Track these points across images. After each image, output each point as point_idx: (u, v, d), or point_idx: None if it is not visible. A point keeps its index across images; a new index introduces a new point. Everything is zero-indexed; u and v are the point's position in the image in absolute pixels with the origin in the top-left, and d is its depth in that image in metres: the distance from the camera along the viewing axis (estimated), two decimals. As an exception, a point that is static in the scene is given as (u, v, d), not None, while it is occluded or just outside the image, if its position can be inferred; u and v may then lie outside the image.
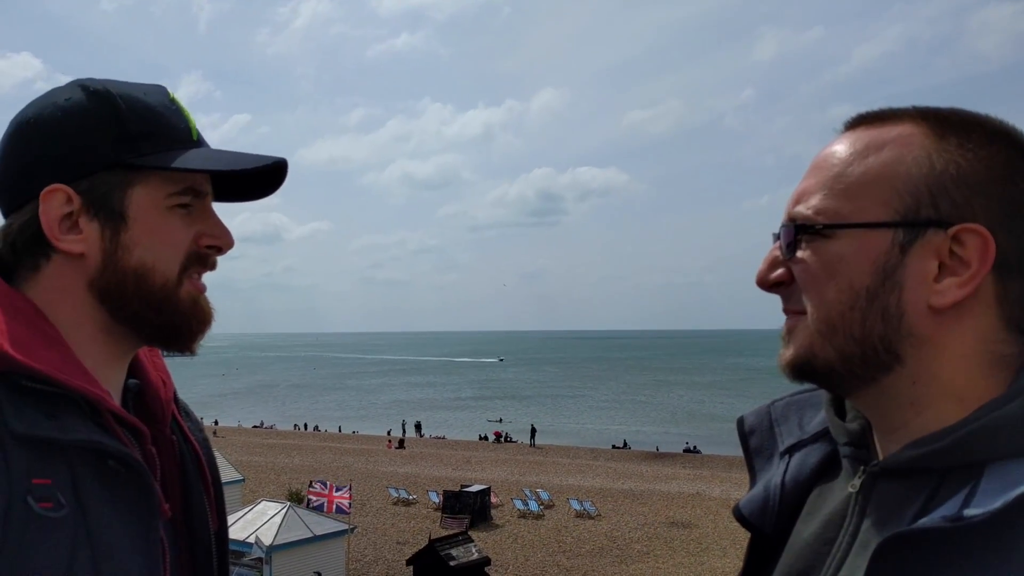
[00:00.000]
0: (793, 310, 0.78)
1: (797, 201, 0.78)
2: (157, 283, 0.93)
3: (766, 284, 0.80)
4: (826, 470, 0.86)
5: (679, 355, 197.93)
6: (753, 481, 0.93)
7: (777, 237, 0.81)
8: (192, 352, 1.00)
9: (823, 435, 0.88)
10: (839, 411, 0.86)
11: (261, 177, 1.03)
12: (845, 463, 0.82)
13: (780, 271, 0.79)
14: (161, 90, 0.99)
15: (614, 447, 49.92)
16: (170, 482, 1.01)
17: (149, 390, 1.04)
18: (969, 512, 0.62)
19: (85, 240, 0.92)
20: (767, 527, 0.87)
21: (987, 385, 0.70)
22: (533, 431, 52.26)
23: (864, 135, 0.76)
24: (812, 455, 0.88)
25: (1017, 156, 0.71)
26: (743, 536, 0.93)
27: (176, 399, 1.10)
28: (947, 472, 0.68)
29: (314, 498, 21.64)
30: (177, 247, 0.95)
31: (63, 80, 1.02)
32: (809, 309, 0.75)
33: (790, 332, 0.78)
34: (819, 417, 0.90)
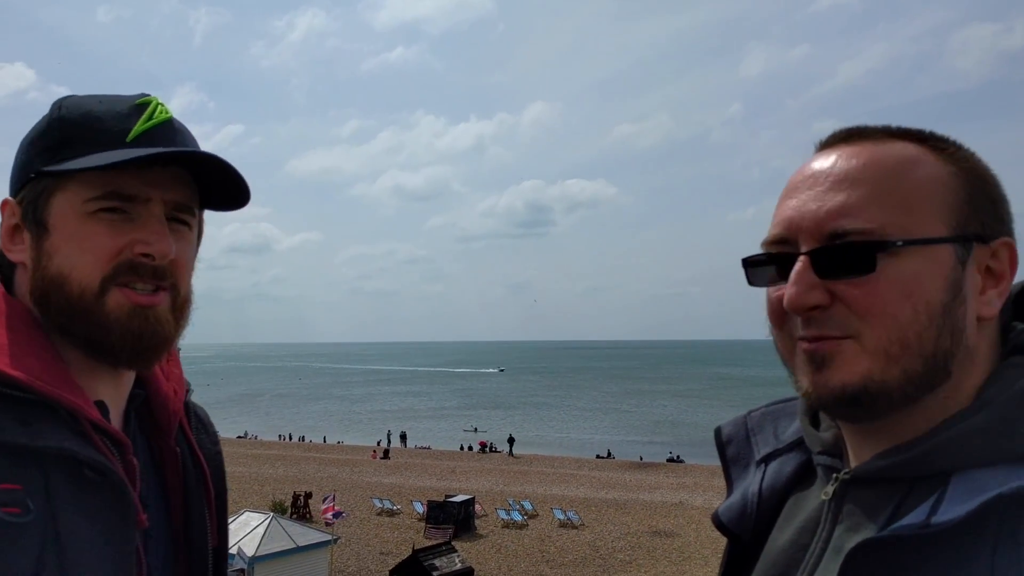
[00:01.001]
0: (831, 335, 0.73)
1: (840, 215, 0.72)
2: (74, 292, 0.90)
3: (804, 308, 0.73)
4: (801, 478, 0.87)
5: (664, 365, 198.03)
6: (730, 489, 0.94)
7: (781, 256, 0.77)
8: (141, 368, 0.98)
9: (798, 444, 0.89)
10: (813, 420, 0.87)
11: (226, 182, 0.98)
12: (819, 471, 0.84)
13: (819, 293, 0.73)
14: (131, 97, 0.97)
15: (598, 456, 49.91)
16: (172, 495, 1.01)
17: (156, 400, 1.03)
18: (936, 520, 0.64)
19: (25, 250, 0.94)
20: (745, 534, 0.89)
21: (979, 384, 0.73)
22: (511, 441, 52.33)
23: (879, 150, 0.75)
24: (788, 464, 0.89)
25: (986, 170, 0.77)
26: (725, 546, 0.95)
27: (190, 411, 1.09)
28: (916, 480, 0.70)
29: (330, 515, 21.79)
30: (96, 255, 0.90)
31: (56, 91, 1.06)
32: (870, 331, 0.71)
33: (828, 359, 0.73)
34: (794, 426, 0.91)
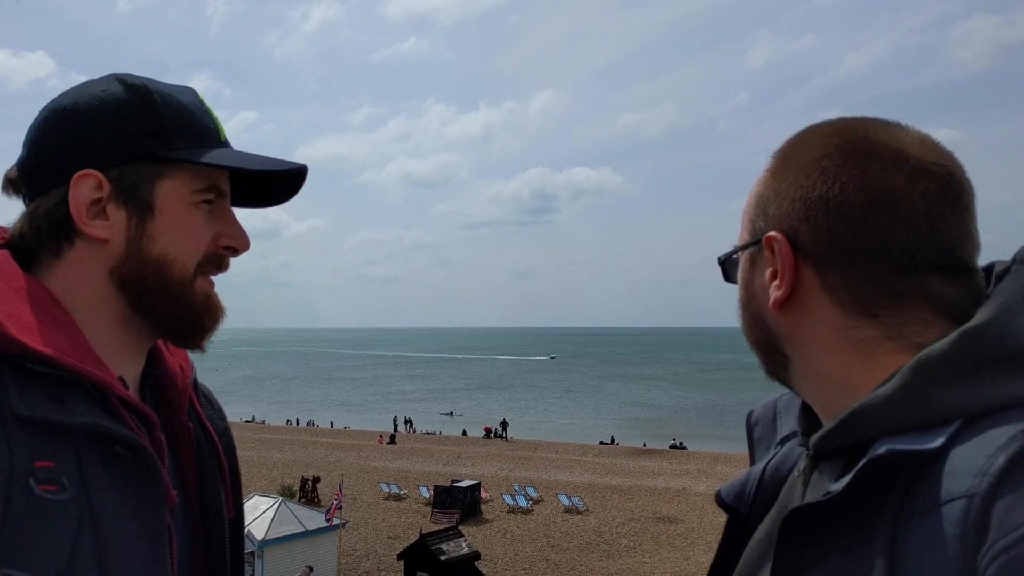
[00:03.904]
0: None
1: None
2: (176, 275, 0.94)
3: None
4: None
5: (667, 351, 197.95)
6: None
7: None
8: (202, 349, 1.01)
9: None
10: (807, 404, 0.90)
11: (278, 184, 1.04)
12: (802, 451, 0.86)
13: None
14: (192, 92, 1.00)
15: (602, 443, 50.00)
16: (186, 470, 1.02)
17: (166, 377, 1.04)
18: (832, 488, 0.67)
19: (111, 227, 0.92)
20: (742, 510, 0.91)
21: (862, 369, 0.74)
22: (504, 425, 52.88)
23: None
24: (799, 446, 0.90)
25: (828, 158, 0.75)
26: None
27: (196, 387, 1.11)
28: (853, 452, 0.71)
29: (335, 500, 21.89)
30: (198, 242, 0.96)
31: (76, 79, 1.06)
32: None
33: None
34: None
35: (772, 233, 0.78)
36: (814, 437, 0.76)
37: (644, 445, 48.15)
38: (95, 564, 0.81)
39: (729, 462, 38.48)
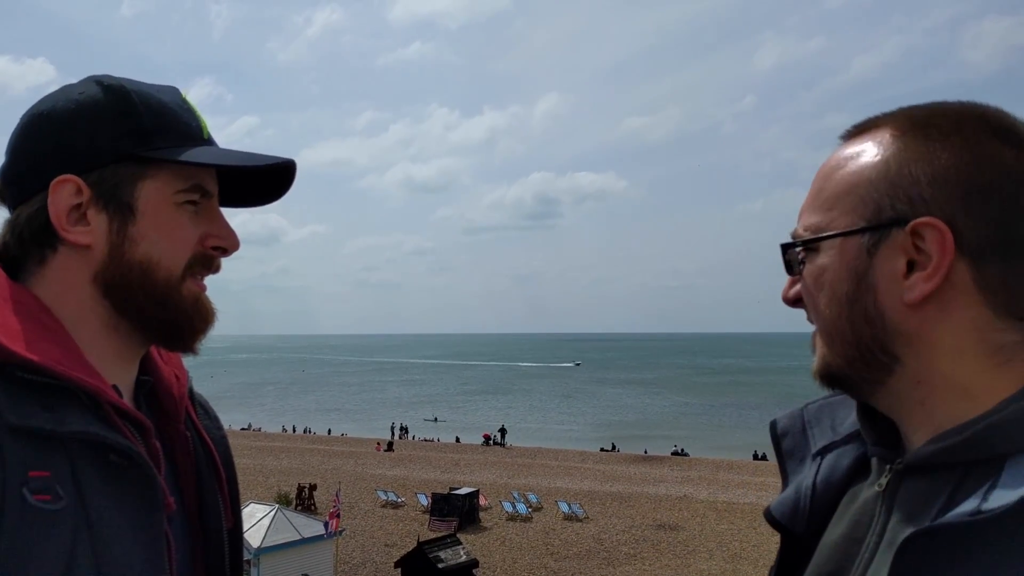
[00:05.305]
0: (812, 322, 0.81)
1: (798, 220, 0.80)
2: (161, 278, 0.93)
3: (788, 302, 0.82)
4: (859, 471, 0.85)
5: (671, 356, 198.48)
6: (785, 484, 0.93)
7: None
8: (194, 352, 1.00)
9: (856, 436, 0.87)
10: (869, 412, 0.85)
11: (267, 181, 1.03)
12: (874, 462, 0.82)
13: (796, 288, 0.81)
14: (174, 90, 0.99)
15: (602, 449, 50.03)
16: (184, 478, 1.01)
17: (161, 386, 1.03)
18: (988, 506, 0.61)
19: (93, 232, 0.91)
20: (798, 528, 0.87)
21: (992, 376, 0.69)
22: (503, 431, 53.08)
23: (846, 148, 0.78)
24: (844, 456, 0.87)
25: (985, 140, 0.70)
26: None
27: (192, 396, 1.10)
28: (969, 467, 0.68)
29: (333, 508, 21.77)
30: (183, 244, 0.94)
31: None
32: (813, 321, 0.79)
33: (813, 344, 0.81)
34: (851, 418, 0.89)
35: (928, 219, 0.69)
36: (925, 450, 0.72)
37: (645, 452, 48.11)
38: (93, 573, 0.80)
39: (731, 469, 38.48)
